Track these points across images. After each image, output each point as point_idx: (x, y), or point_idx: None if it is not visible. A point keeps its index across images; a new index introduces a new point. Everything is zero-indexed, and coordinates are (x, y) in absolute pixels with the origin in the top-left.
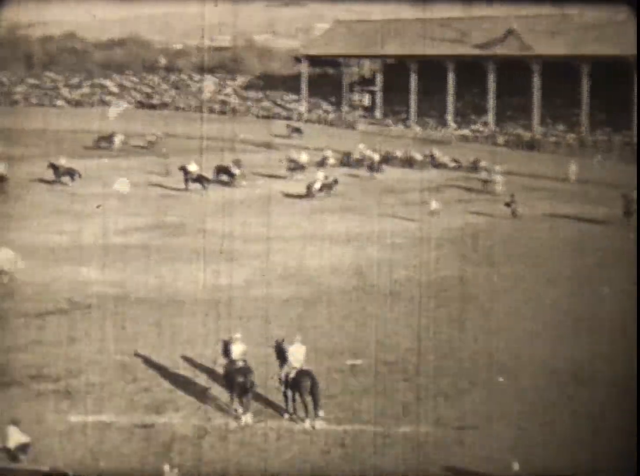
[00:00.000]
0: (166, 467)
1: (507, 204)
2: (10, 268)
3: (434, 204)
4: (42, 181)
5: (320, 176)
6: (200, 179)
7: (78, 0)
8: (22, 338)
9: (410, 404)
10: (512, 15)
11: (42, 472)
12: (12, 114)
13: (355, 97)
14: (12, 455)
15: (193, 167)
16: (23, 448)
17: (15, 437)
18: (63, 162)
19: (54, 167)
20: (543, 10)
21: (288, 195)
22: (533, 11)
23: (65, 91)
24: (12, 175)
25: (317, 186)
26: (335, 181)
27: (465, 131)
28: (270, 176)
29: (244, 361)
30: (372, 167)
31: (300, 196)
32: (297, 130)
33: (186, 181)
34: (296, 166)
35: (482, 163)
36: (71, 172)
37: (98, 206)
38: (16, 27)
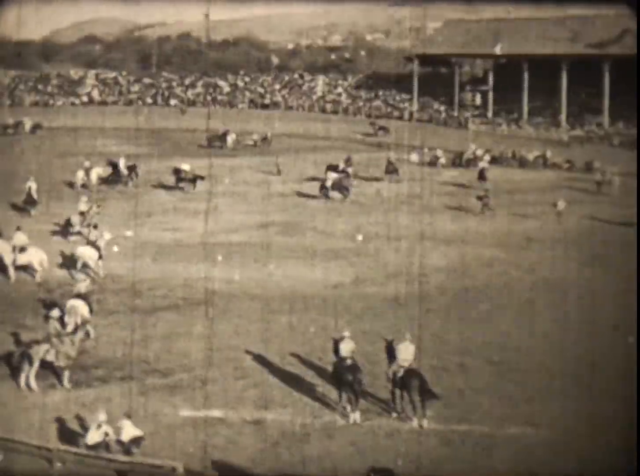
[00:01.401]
0: None
1: (479, 198)
2: (91, 264)
3: (560, 204)
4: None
5: (332, 175)
6: (194, 178)
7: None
8: (136, 333)
9: (519, 405)
10: (627, 14)
11: (153, 465)
12: (128, 113)
13: (467, 96)
14: (126, 447)
15: (186, 167)
16: (136, 441)
17: (129, 430)
18: (187, 167)
19: (177, 171)
20: None
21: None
22: None
23: (179, 91)
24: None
25: (329, 183)
26: (348, 178)
27: (579, 132)
28: (367, 179)
29: (353, 359)
30: (483, 168)
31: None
32: (383, 128)
33: (179, 180)
34: (393, 169)
35: (596, 164)
36: (194, 179)
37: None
38: (134, 28)
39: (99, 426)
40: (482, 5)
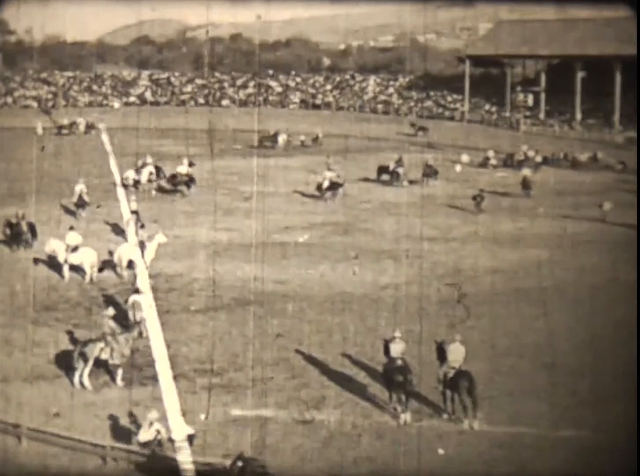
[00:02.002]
0: None
1: (474, 198)
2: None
3: (607, 205)
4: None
5: (328, 174)
6: (189, 181)
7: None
8: (187, 332)
9: (570, 407)
10: None
11: (205, 463)
12: (181, 113)
13: (519, 97)
14: (178, 445)
15: (183, 169)
16: (188, 439)
17: (181, 428)
18: (183, 170)
19: (173, 176)
20: None
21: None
22: None
23: (231, 91)
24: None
25: (326, 183)
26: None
27: (633, 133)
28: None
29: (403, 359)
30: (525, 176)
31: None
32: (423, 129)
33: (175, 183)
34: (430, 172)
35: None
36: (188, 182)
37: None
38: (186, 29)
39: (151, 424)
40: (533, 6)
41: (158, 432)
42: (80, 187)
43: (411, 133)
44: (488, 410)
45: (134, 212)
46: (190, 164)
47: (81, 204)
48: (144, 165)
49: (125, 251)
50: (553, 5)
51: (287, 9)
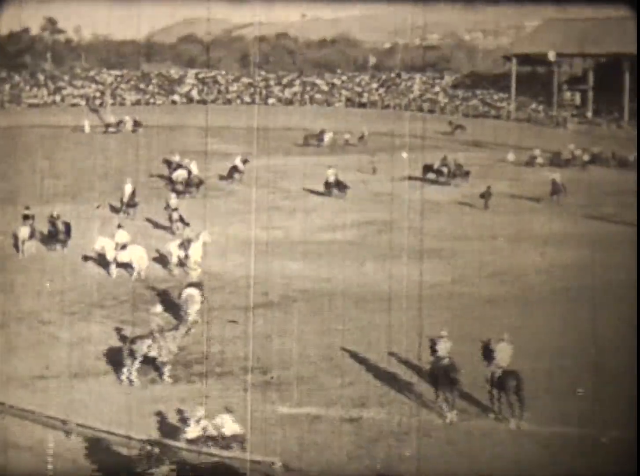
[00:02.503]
0: None
1: (482, 196)
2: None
3: None
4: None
5: (331, 172)
6: (199, 183)
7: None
8: (232, 330)
9: (619, 408)
10: None
11: (252, 461)
12: (226, 111)
13: (566, 96)
14: (227, 443)
15: (194, 170)
16: (237, 437)
17: (230, 426)
18: (195, 170)
19: (174, 169)
20: None
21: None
22: None
23: (277, 90)
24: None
25: (331, 179)
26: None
27: None
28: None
29: (450, 358)
30: (554, 179)
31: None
32: (460, 127)
33: (187, 185)
34: (460, 173)
35: None
36: (198, 184)
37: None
38: (233, 28)
39: (199, 421)
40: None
41: (205, 429)
42: (128, 187)
43: (448, 131)
44: (536, 409)
45: (175, 209)
46: (245, 161)
47: (132, 204)
48: (186, 164)
49: (174, 248)
50: (553, 5)
51: (331, 8)
